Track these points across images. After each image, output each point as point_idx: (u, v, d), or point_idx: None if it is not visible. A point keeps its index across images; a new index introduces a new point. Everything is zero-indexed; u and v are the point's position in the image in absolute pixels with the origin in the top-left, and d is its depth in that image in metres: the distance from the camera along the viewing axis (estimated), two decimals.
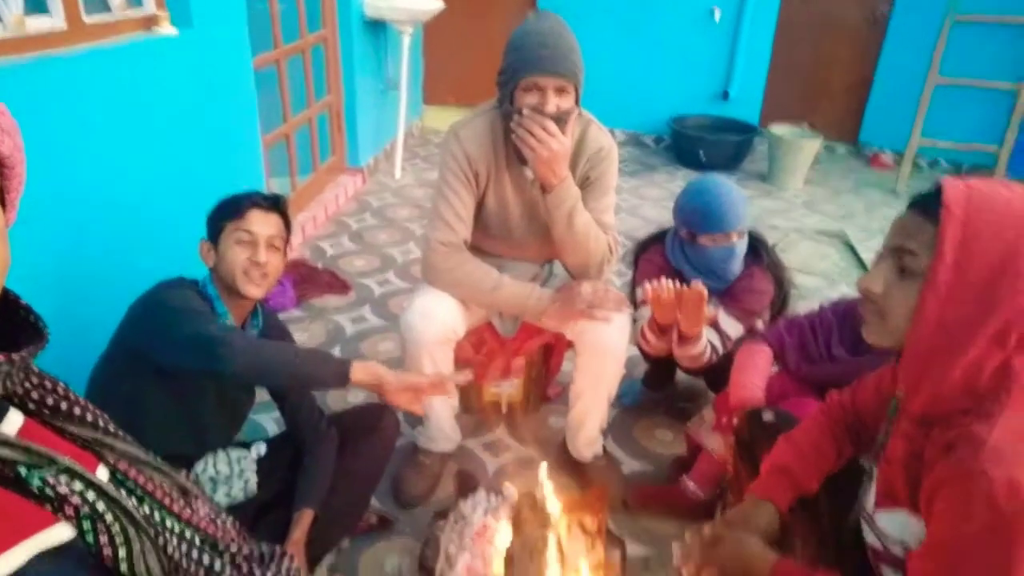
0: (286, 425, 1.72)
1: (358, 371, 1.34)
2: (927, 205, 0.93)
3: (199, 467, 1.52)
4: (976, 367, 0.92)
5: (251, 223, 1.49)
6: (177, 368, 1.37)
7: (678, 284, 1.79)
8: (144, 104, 2.10)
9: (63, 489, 0.59)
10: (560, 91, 1.65)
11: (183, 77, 2.30)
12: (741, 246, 1.99)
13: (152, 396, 1.44)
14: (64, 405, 0.70)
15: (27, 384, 0.68)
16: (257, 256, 1.48)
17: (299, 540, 1.51)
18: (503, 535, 1.53)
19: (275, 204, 1.55)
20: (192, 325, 1.34)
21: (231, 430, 1.65)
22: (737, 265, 2.01)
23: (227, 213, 1.51)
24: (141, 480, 0.72)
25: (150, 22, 2.23)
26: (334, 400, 2.39)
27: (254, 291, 1.50)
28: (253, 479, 1.55)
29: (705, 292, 1.77)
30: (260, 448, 1.63)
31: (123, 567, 0.61)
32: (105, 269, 1.94)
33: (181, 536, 0.71)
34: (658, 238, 2.19)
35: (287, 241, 1.60)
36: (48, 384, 0.70)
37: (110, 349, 1.48)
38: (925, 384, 0.96)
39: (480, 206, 1.90)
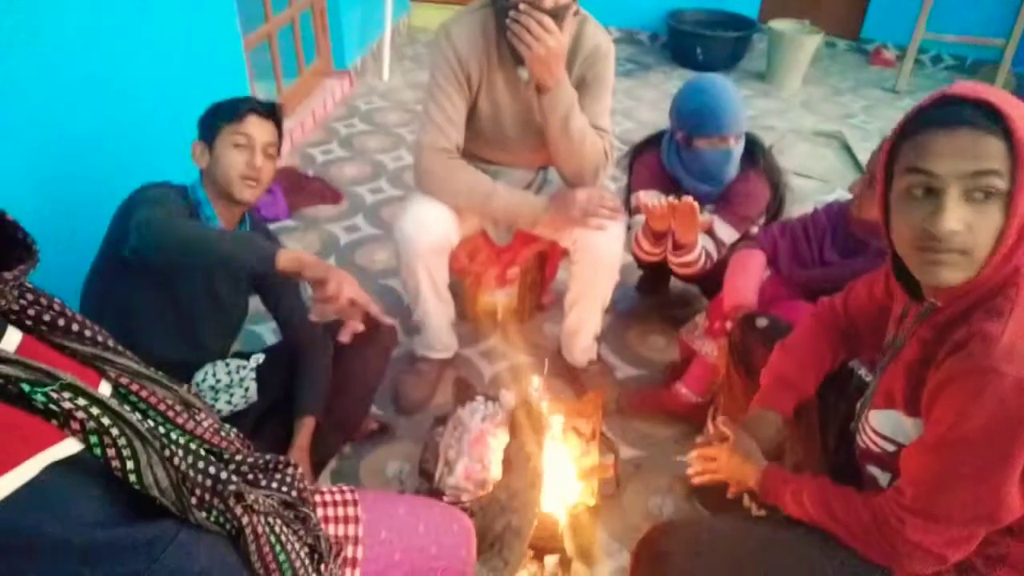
0: (280, 331, 1.74)
1: (287, 260, 1.29)
2: (977, 121, 0.86)
3: (199, 376, 1.54)
4: (1014, 270, 0.92)
5: (249, 127, 1.49)
6: (138, 262, 1.37)
7: (670, 198, 1.78)
8: (115, 6, 1.99)
9: (67, 404, 0.59)
10: None
11: None
12: (737, 150, 1.96)
13: (144, 300, 1.46)
14: (61, 321, 0.70)
15: (22, 301, 0.67)
16: (254, 161, 1.48)
17: (303, 446, 1.55)
18: (500, 440, 1.57)
19: (272, 111, 1.55)
20: (140, 213, 1.33)
21: (227, 336, 1.66)
22: (733, 169, 1.98)
23: (225, 115, 1.50)
24: (144, 394, 0.73)
25: None
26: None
27: (248, 195, 1.51)
28: (253, 386, 1.58)
29: (696, 206, 1.76)
30: (259, 357, 1.65)
31: (132, 479, 0.62)
32: (86, 181, 1.89)
33: (187, 448, 0.72)
34: (653, 142, 2.15)
35: (279, 149, 1.59)
36: (44, 301, 0.69)
37: (99, 258, 1.49)
38: (970, 295, 0.95)
39: (472, 110, 1.84)
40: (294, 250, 1.32)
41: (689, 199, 1.75)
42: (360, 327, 1.36)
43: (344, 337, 1.37)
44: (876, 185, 1.58)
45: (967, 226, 0.88)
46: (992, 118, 0.85)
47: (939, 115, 0.89)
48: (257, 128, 1.49)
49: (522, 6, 1.57)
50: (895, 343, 1.10)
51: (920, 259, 0.93)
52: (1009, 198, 0.86)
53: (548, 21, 1.57)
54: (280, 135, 1.57)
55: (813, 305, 1.40)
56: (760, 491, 1.19)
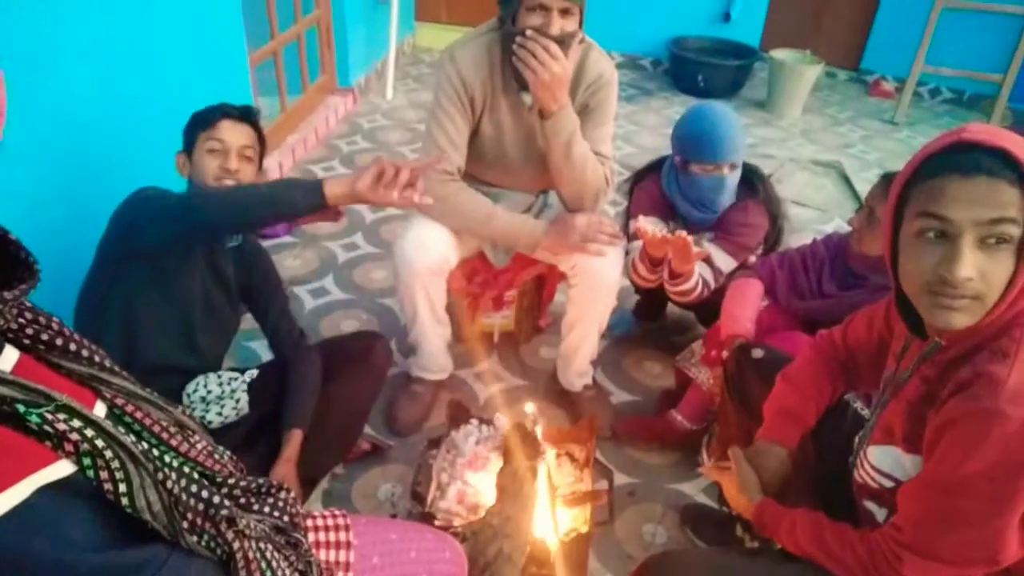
0: (268, 342, 1.76)
1: (332, 184, 1.32)
2: (994, 169, 0.86)
3: (190, 387, 1.53)
4: (1019, 312, 0.92)
5: (222, 132, 1.52)
6: (165, 244, 1.40)
7: (665, 230, 1.79)
8: (124, 20, 2.01)
9: (62, 426, 0.59)
10: (565, 12, 1.60)
11: None
12: (732, 179, 1.96)
13: (142, 301, 1.47)
14: (59, 341, 0.70)
15: (21, 320, 0.67)
16: (228, 163, 1.51)
17: (291, 458, 1.55)
18: (494, 464, 1.56)
19: (246, 114, 1.58)
20: (167, 199, 1.39)
21: (220, 343, 1.66)
22: (726, 198, 1.99)
23: (199, 123, 1.54)
24: (139, 415, 0.73)
25: None
26: (327, 329, 2.40)
27: None
28: (244, 399, 1.58)
29: (690, 241, 1.76)
30: (252, 372, 1.65)
31: (124, 501, 0.62)
32: (86, 195, 1.89)
33: (180, 471, 0.71)
34: (655, 167, 2.16)
35: (260, 153, 1.62)
36: (42, 320, 0.69)
37: (96, 266, 1.49)
38: (975, 335, 0.95)
39: (475, 133, 1.85)
40: (337, 178, 1.33)
41: (683, 234, 1.76)
42: (429, 200, 1.39)
43: (427, 201, 1.38)
44: (877, 221, 1.59)
45: (980, 273, 0.88)
46: (1008, 165, 0.86)
47: (955, 161, 0.89)
48: (230, 132, 1.53)
49: (529, 32, 1.59)
50: (896, 379, 1.10)
51: (931, 302, 0.93)
52: (1021, 244, 0.87)
53: (554, 48, 1.58)
54: (260, 138, 1.60)
55: (810, 336, 1.40)
56: (755, 524, 1.18)
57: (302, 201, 1.34)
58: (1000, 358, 0.91)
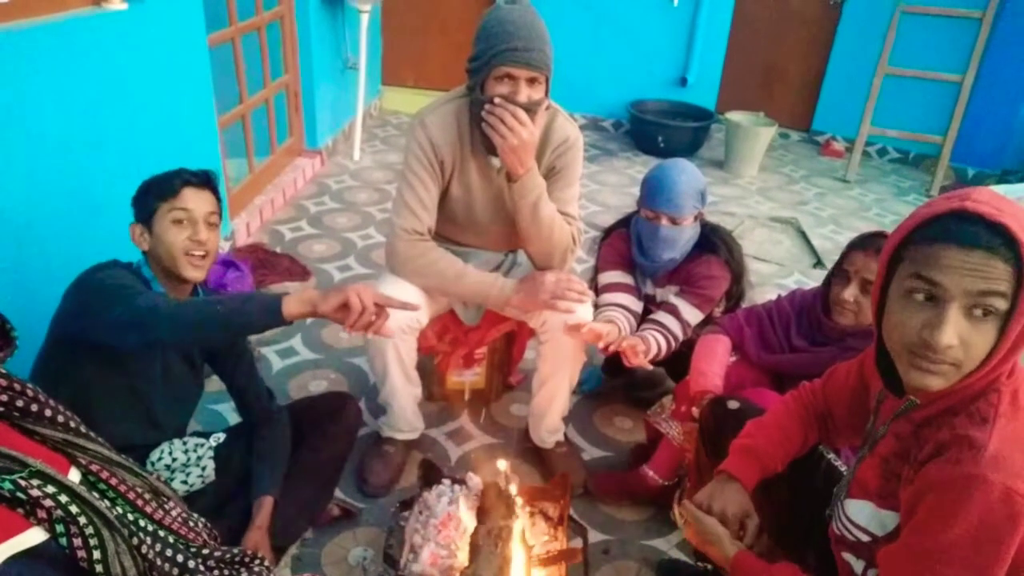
0: (236, 407, 1.72)
1: (291, 304, 1.26)
2: (993, 244, 0.86)
3: (154, 455, 1.50)
4: (996, 377, 0.94)
5: (186, 201, 1.45)
6: (116, 347, 1.34)
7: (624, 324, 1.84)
8: (93, 83, 2.03)
9: (35, 492, 0.59)
10: (532, 82, 1.66)
11: (134, 54, 2.22)
12: (670, 231, 1.99)
13: (99, 383, 1.42)
14: (34, 407, 0.69)
15: None
16: (198, 235, 1.44)
17: (262, 525, 1.51)
18: (467, 525, 1.55)
19: (207, 180, 1.51)
20: (122, 303, 1.29)
21: (182, 414, 1.63)
22: (664, 249, 2.01)
23: (159, 193, 1.45)
24: (114, 482, 0.72)
25: None
26: (296, 390, 2.37)
27: (195, 273, 1.47)
28: (210, 465, 1.55)
29: (639, 350, 1.84)
30: (219, 436, 1.62)
31: (98, 568, 0.61)
32: (48, 257, 1.87)
33: (155, 536, 0.71)
34: (623, 223, 2.22)
35: (220, 216, 1.55)
36: (17, 387, 0.69)
37: (49, 342, 1.44)
38: (950, 396, 0.96)
39: (445, 195, 1.89)
40: (298, 294, 1.29)
41: (633, 342, 1.84)
42: (391, 332, 1.37)
43: (388, 333, 1.36)
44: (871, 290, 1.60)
45: (962, 341, 0.89)
46: (1007, 242, 0.87)
47: (956, 231, 0.89)
48: (195, 200, 1.46)
49: (497, 99, 1.65)
50: (875, 435, 1.10)
51: (909, 362, 0.94)
52: (1007, 318, 0.88)
53: (522, 114, 1.64)
54: (219, 201, 1.53)
55: (778, 393, 1.41)
56: None
57: (259, 321, 1.29)
58: (979, 422, 0.92)
